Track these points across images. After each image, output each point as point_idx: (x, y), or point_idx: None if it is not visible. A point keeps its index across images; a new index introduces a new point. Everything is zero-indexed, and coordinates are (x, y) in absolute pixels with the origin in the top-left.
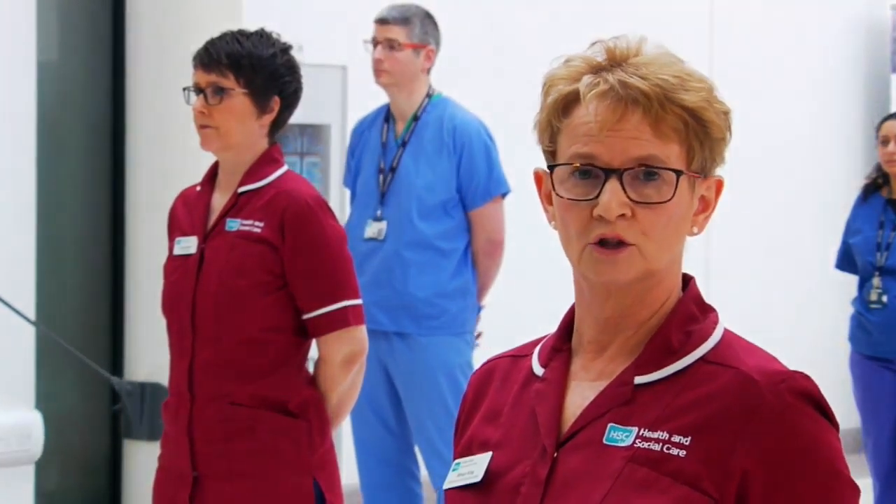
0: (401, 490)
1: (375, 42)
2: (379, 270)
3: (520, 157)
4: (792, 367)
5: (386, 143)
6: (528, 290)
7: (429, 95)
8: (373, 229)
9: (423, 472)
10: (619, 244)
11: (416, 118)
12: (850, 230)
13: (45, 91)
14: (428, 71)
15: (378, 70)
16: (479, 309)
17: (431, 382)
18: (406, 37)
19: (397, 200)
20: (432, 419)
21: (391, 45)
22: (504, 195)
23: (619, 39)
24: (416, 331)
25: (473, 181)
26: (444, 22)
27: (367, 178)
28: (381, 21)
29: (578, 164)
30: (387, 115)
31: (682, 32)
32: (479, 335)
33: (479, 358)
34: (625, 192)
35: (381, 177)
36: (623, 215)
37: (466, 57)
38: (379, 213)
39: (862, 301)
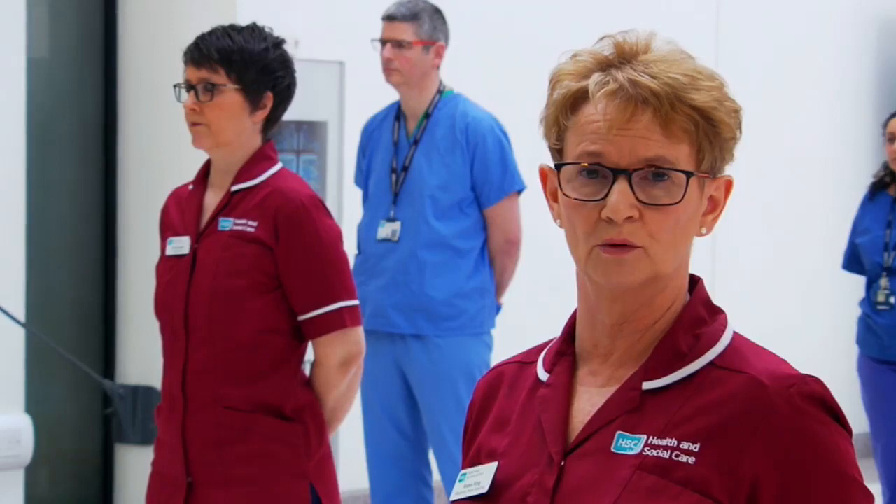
0: (413, 496)
1: (384, 41)
2: (395, 272)
3: (526, 154)
4: (799, 370)
5: (398, 141)
6: (542, 287)
7: (440, 92)
8: (386, 230)
9: (436, 478)
10: (626, 246)
11: (427, 116)
12: (857, 230)
13: (35, 89)
14: (438, 67)
15: (388, 69)
16: (499, 308)
17: (449, 384)
18: (415, 34)
19: (411, 200)
20: (448, 422)
21: (400, 43)
22: (520, 192)
23: (627, 34)
24: (433, 332)
25: (488, 178)
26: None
27: (379, 177)
28: (389, 18)
29: (586, 164)
30: (397, 112)
31: (688, 28)
32: None
33: (496, 358)
34: (633, 192)
35: (393, 176)
36: (630, 217)
37: (471, 52)
38: (392, 213)
39: (869, 302)
